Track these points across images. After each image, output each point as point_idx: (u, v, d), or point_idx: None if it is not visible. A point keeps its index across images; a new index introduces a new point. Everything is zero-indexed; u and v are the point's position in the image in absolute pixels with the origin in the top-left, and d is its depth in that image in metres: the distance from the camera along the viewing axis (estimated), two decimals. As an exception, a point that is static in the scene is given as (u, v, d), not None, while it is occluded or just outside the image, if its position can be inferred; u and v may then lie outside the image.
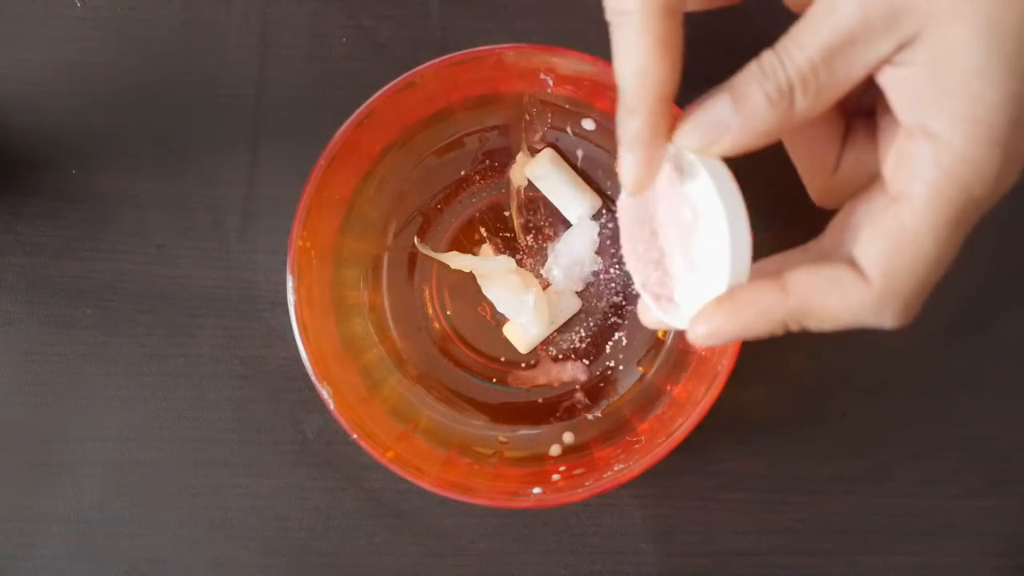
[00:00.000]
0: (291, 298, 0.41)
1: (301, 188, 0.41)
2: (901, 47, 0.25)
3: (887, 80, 0.26)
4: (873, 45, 0.25)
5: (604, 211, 0.46)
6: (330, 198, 0.43)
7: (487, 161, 0.47)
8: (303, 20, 0.47)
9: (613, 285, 0.47)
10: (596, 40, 0.47)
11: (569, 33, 0.47)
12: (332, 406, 0.41)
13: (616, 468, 0.41)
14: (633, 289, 0.46)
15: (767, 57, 0.26)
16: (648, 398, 0.45)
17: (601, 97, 0.43)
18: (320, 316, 0.43)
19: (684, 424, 0.40)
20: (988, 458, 0.47)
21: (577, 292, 0.47)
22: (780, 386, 0.47)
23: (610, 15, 0.27)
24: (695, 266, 0.30)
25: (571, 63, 0.41)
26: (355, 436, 0.40)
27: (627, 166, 0.28)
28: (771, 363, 0.47)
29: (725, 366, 0.40)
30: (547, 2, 0.47)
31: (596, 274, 0.46)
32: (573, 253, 0.45)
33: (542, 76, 0.43)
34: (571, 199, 0.46)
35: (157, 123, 0.47)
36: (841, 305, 0.27)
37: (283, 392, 0.47)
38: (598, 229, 0.46)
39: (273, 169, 0.47)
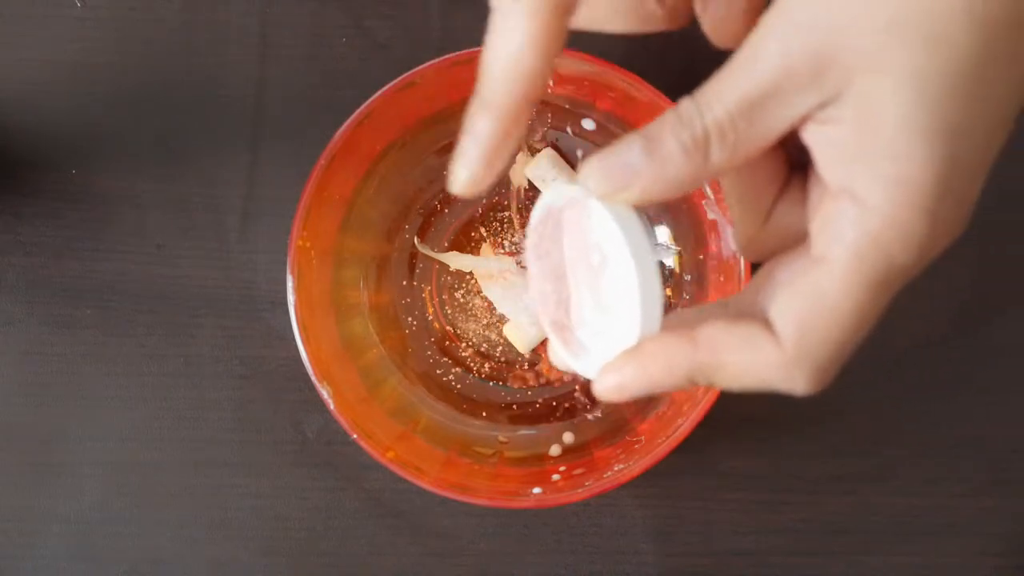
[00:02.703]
0: (291, 298, 0.41)
1: (301, 188, 0.41)
2: (825, 103, 0.23)
3: (811, 137, 0.24)
4: (795, 99, 0.23)
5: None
6: (330, 198, 0.43)
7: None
8: (303, 20, 0.47)
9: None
10: (596, 40, 0.47)
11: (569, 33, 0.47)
12: (332, 406, 0.41)
13: (616, 468, 0.41)
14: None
15: (684, 105, 0.25)
16: (648, 398, 0.45)
17: (601, 97, 0.43)
18: (320, 316, 0.43)
19: (684, 424, 0.40)
20: (988, 458, 0.47)
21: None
22: (780, 386, 0.47)
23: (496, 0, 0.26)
24: (605, 309, 0.29)
25: (571, 63, 0.41)
26: (355, 436, 0.40)
27: (465, 164, 0.26)
28: (771, 363, 0.47)
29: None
30: (547, 2, 0.47)
31: (596, 274, 0.46)
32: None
33: (542, 76, 0.43)
34: (571, 199, 0.46)
35: (157, 123, 0.47)
36: (751, 365, 0.25)
37: (283, 392, 0.47)
38: (598, 229, 0.46)
39: (273, 169, 0.47)
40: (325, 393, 0.41)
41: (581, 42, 0.41)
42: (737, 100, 0.24)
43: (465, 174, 0.26)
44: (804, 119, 0.24)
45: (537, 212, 0.29)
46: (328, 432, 0.46)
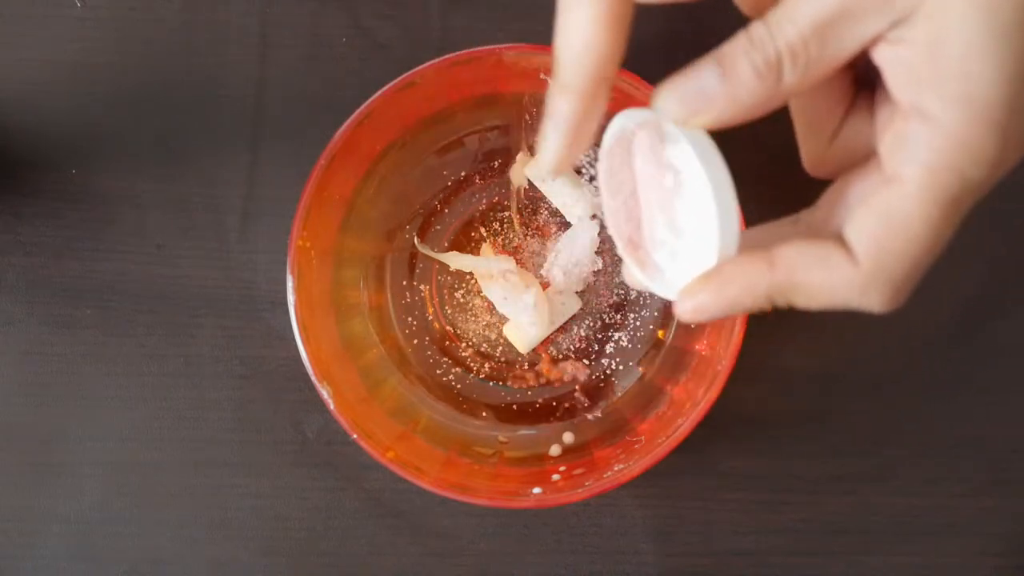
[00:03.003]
0: (291, 298, 0.41)
1: (301, 188, 0.41)
2: (896, 23, 0.24)
3: (883, 58, 0.25)
4: (866, 20, 0.24)
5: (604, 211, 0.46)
6: (330, 198, 0.43)
7: (487, 161, 0.47)
8: (303, 20, 0.47)
9: (613, 285, 0.47)
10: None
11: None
12: (332, 406, 0.41)
13: (616, 468, 0.41)
14: (634, 291, 0.46)
15: (756, 29, 0.25)
16: (648, 398, 0.45)
17: (601, 97, 0.43)
18: (320, 316, 0.43)
19: (684, 424, 0.40)
20: (988, 458, 0.47)
21: (577, 292, 0.47)
22: (780, 386, 0.47)
23: None
24: (679, 231, 0.29)
25: (571, 63, 0.41)
26: (355, 436, 0.40)
27: (550, 147, 0.27)
28: (771, 363, 0.47)
29: (725, 366, 0.40)
30: (547, 2, 0.47)
31: (596, 274, 0.46)
32: (573, 253, 0.45)
33: (542, 76, 0.43)
34: (571, 199, 0.46)
35: (157, 123, 0.47)
36: (828, 284, 0.26)
37: (283, 392, 0.47)
38: (598, 229, 0.46)
39: (273, 169, 0.47)
40: (325, 393, 0.41)
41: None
42: (809, 21, 0.24)
43: (549, 156, 0.27)
44: (875, 39, 0.24)
45: (609, 134, 0.30)
46: (328, 432, 0.46)
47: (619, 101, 0.43)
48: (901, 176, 0.25)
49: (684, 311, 0.28)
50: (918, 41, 0.24)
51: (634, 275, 0.32)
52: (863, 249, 0.25)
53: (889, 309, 0.26)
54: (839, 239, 0.26)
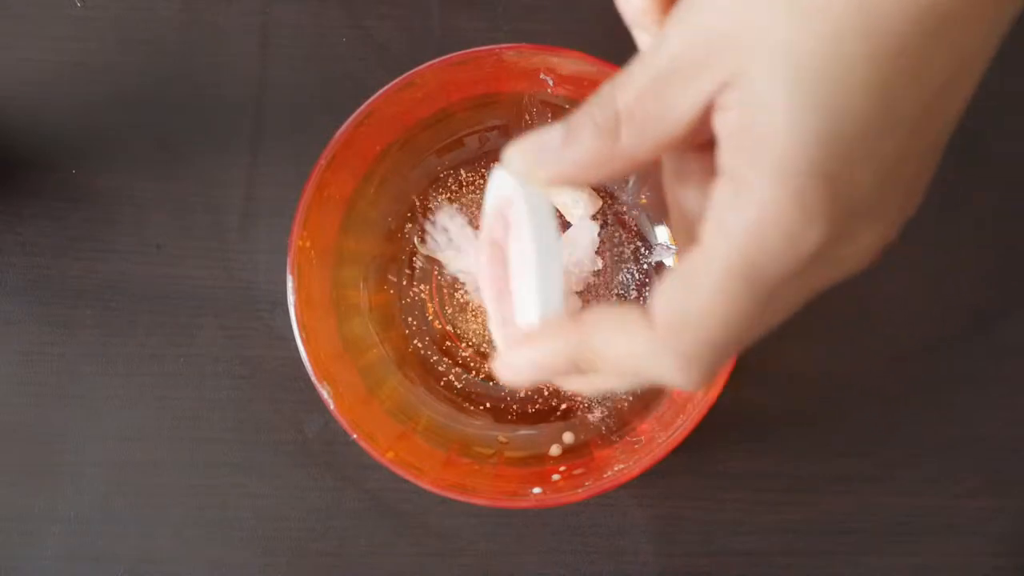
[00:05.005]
0: (291, 298, 0.41)
1: (301, 188, 0.41)
2: (724, 87, 0.23)
3: (717, 127, 0.24)
4: (693, 82, 0.23)
5: (604, 211, 0.46)
6: (330, 198, 0.43)
7: (487, 161, 0.47)
8: (303, 20, 0.47)
9: (613, 285, 0.47)
10: (597, 40, 0.47)
11: (569, 33, 0.47)
12: (332, 406, 0.41)
13: (616, 468, 0.41)
14: (634, 291, 0.46)
15: (605, 88, 0.25)
16: (648, 398, 0.45)
17: (601, 97, 0.43)
18: (320, 316, 0.43)
19: (684, 424, 0.40)
20: (989, 458, 0.47)
21: (577, 292, 0.47)
22: (780, 386, 0.47)
23: None
24: (514, 293, 0.29)
25: (571, 63, 0.41)
26: (355, 436, 0.40)
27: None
28: (771, 363, 0.47)
29: (725, 366, 0.40)
30: (547, 2, 0.47)
31: (596, 274, 0.46)
32: (573, 253, 0.45)
33: (542, 76, 0.43)
34: (571, 199, 0.46)
35: (157, 123, 0.47)
36: (620, 347, 0.25)
37: (283, 392, 0.47)
38: (598, 229, 0.46)
39: (273, 169, 0.47)
40: (325, 393, 0.41)
41: (581, 42, 0.41)
42: (645, 81, 0.24)
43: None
44: (708, 105, 0.23)
45: (487, 209, 0.30)
46: (328, 432, 0.46)
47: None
48: (701, 240, 0.24)
49: (498, 369, 0.28)
50: (736, 104, 0.23)
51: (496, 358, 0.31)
52: (658, 311, 0.24)
53: (688, 385, 0.25)
54: (646, 306, 0.25)
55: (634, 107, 0.24)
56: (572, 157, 0.25)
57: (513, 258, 0.29)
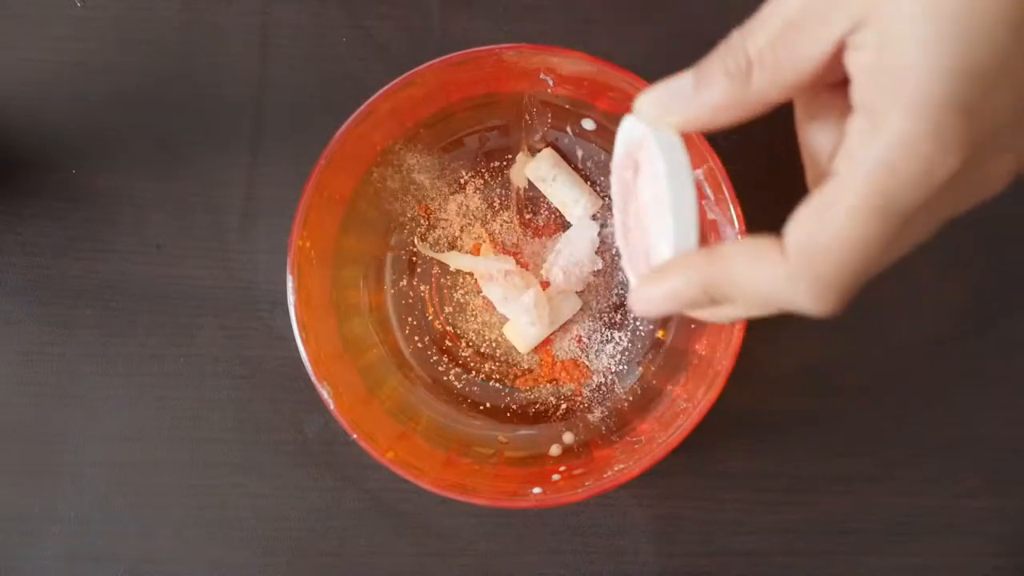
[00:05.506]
0: (291, 298, 0.41)
1: (301, 188, 0.41)
2: (856, 27, 0.24)
3: (849, 65, 0.25)
4: (828, 23, 0.24)
5: (604, 211, 0.46)
6: (330, 198, 0.43)
7: (487, 161, 0.47)
8: (303, 20, 0.47)
9: (613, 285, 0.47)
10: (596, 40, 0.47)
11: (569, 33, 0.47)
12: (332, 406, 0.41)
13: (616, 468, 0.41)
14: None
15: (733, 35, 0.26)
16: (648, 398, 0.45)
17: (601, 97, 0.43)
18: (320, 316, 0.43)
19: (684, 424, 0.40)
20: (989, 458, 0.47)
21: (577, 292, 0.47)
22: (780, 386, 0.47)
23: None
24: (647, 229, 0.30)
25: (571, 63, 0.41)
26: (355, 436, 0.40)
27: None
28: (771, 363, 0.47)
29: (725, 366, 0.40)
30: (547, 2, 0.47)
31: (596, 274, 0.46)
32: (573, 253, 0.45)
33: (542, 76, 0.43)
34: (571, 199, 0.46)
35: (157, 123, 0.47)
36: (755, 276, 0.26)
37: (283, 392, 0.47)
38: (598, 229, 0.46)
39: (273, 169, 0.47)
40: (325, 393, 0.41)
41: (581, 42, 0.41)
42: (776, 26, 0.25)
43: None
44: (839, 45, 0.25)
45: (618, 150, 0.31)
46: (328, 432, 0.46)
47: (618, 101, 0.43)
48: (836, 171, 0.25)
49: (633, 302, 0.29)
50: (871, 45, 0.24)
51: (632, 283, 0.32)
52: (792, 241, 0.25)
53: (823, 311, 0.26)
54: (778, 236, 0.26)
55: (766, 52, 0.25)
56: (704, 101, 0.26)
57: (645, 197, 0.30)
